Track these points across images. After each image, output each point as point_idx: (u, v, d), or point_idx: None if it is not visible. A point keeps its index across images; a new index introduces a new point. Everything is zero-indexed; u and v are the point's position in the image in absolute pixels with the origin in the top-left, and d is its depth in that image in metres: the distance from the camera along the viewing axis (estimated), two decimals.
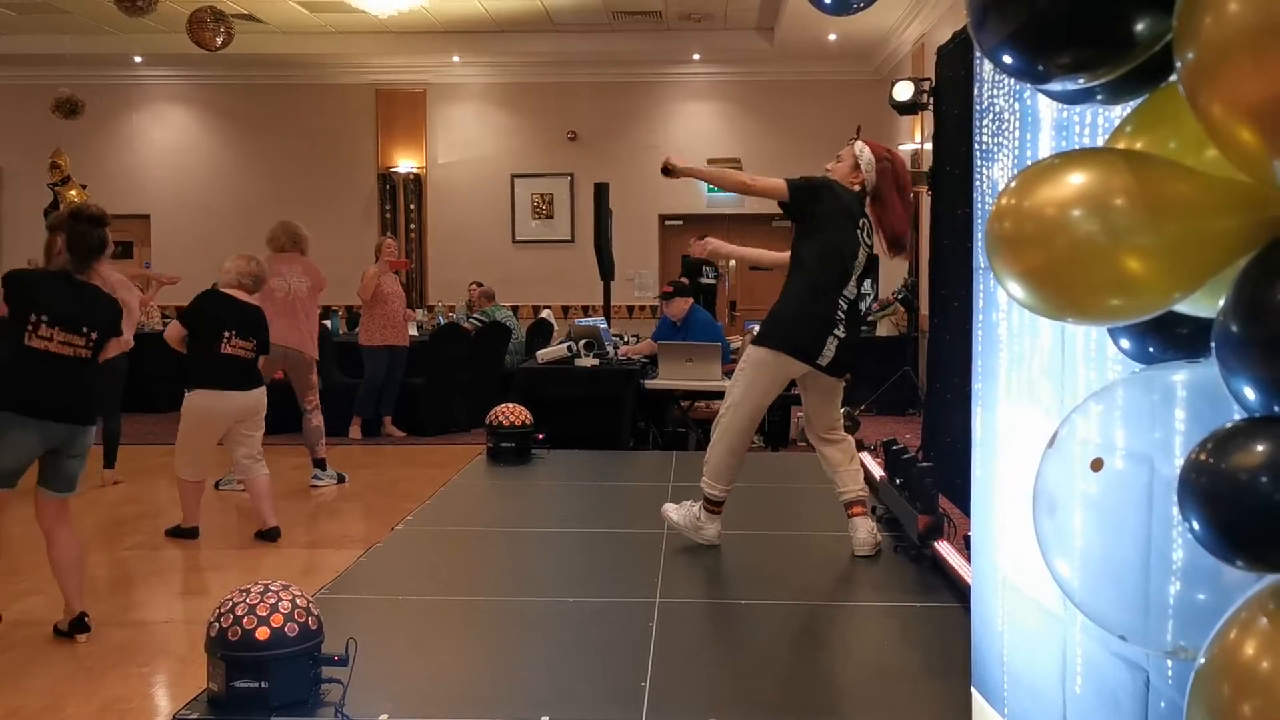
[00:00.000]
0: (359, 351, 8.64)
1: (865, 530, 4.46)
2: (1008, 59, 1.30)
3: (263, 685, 2.81)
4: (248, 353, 5.39)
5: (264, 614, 2.85)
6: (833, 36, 11.25)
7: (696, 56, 12.61)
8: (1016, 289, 1.30)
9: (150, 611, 4.41)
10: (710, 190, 13.07)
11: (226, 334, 5.30)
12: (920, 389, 9.35)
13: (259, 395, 5.47)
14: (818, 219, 4.41)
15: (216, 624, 2.87)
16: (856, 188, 4.48)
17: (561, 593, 3.99)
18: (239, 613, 2.85)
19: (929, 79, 7.70)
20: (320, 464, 6.97)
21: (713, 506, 4.57)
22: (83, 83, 11.37)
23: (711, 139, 13.02)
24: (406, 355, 8.78)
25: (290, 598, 2.92)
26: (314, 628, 2.93)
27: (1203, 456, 1.13)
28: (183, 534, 5.44)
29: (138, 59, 12.60)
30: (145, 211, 13.29)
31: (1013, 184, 1.30)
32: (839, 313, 4.42)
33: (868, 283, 11.14)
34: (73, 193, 10.50)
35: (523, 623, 3.74)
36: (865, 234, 4.48)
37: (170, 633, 4.07)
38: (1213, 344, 1.14)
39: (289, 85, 13.08)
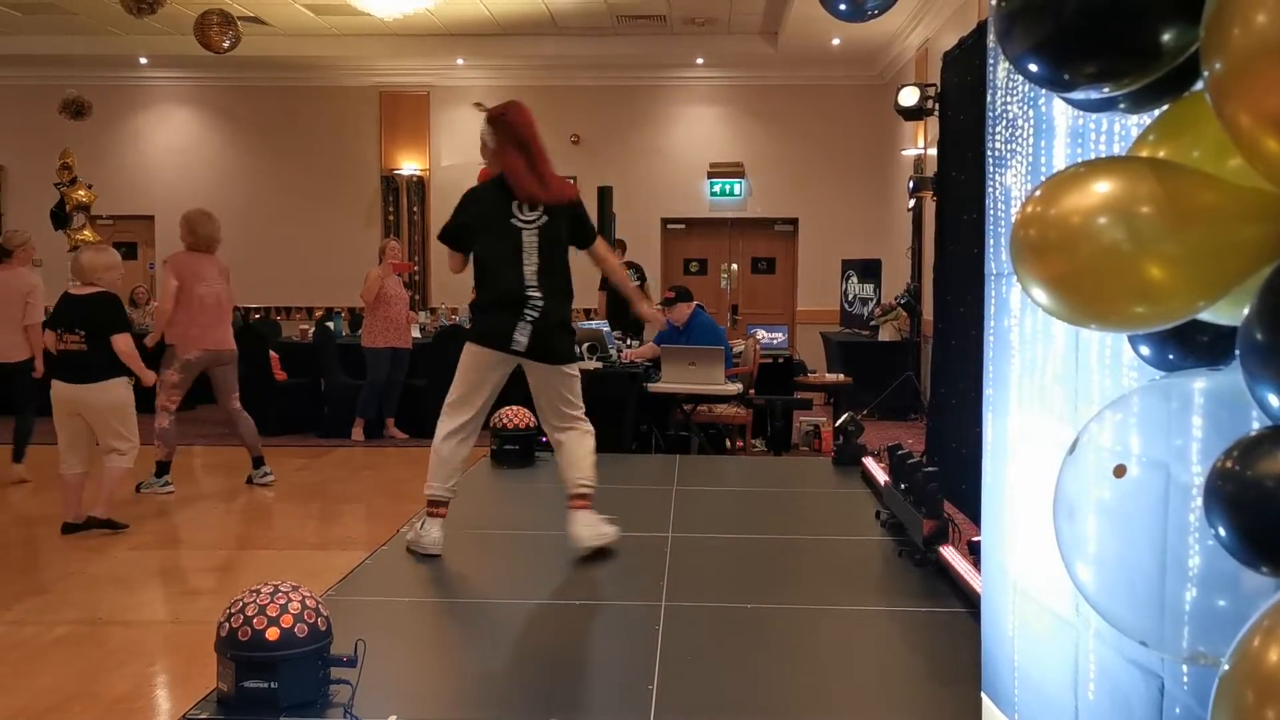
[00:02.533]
0: (362, 353, 8.65)
1: (591, 522, 4.50)
2: (1033, 67, 1.31)
3: (272, 685, 2.82)
4: (79, 345, 5.51)
5: (274, 614, 2.85)
6: (836, 41, 11.27)
7: (700, 60, 12.63)
8: (1041, 296, 1.30)
9: (156, 612, 4.41)
10: (713, 194, 13.09)
11: (57, 331, 5.62)
12: (922, 394, 9.36)
13: (99, 390, 5.46)
14: (467, 234, 4.49)
15: (227, 624, 2.88)
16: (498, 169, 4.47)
17: (567, 595, 4.00)
18: (249, 613, 2.86)
19: (934, 84, 7.72)
20: (260, 460, 6.81)
21: (435, 509, 4.55)
22: (88, 84, 11.40)
23: (714, 143, 13.04)
24: (409, 357, 8.79)
25: (300, 598, 2.93)
26: (323, 628, 2.93)
27: (1229, 463, 1.13)
28: (73, 529, 5.51)
29: (143, 60, 12.62)
30: (150, 213, 13.31)
31: (1038, 192, 1.30)
32: (529, 299, 4.38)
33: (870, 286, 11.18)
34: (80, 193, 10.52)
35: (529, 625, 3.75)
36: (524, 210, 4.43)
37: (176, 632, 4.07)
38: (1237, 352, 1.15)
39: (293, 87, 13.10)
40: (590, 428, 4.62)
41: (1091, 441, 1.50)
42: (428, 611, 3.92)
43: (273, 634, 2.82)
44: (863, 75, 12.59)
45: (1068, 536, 1.50)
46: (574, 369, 4.60)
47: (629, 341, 9.07)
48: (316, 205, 13.03)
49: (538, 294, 4.37)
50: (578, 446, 4.56)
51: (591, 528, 4.47)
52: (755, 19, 11.45)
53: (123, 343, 5.50)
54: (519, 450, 6.62)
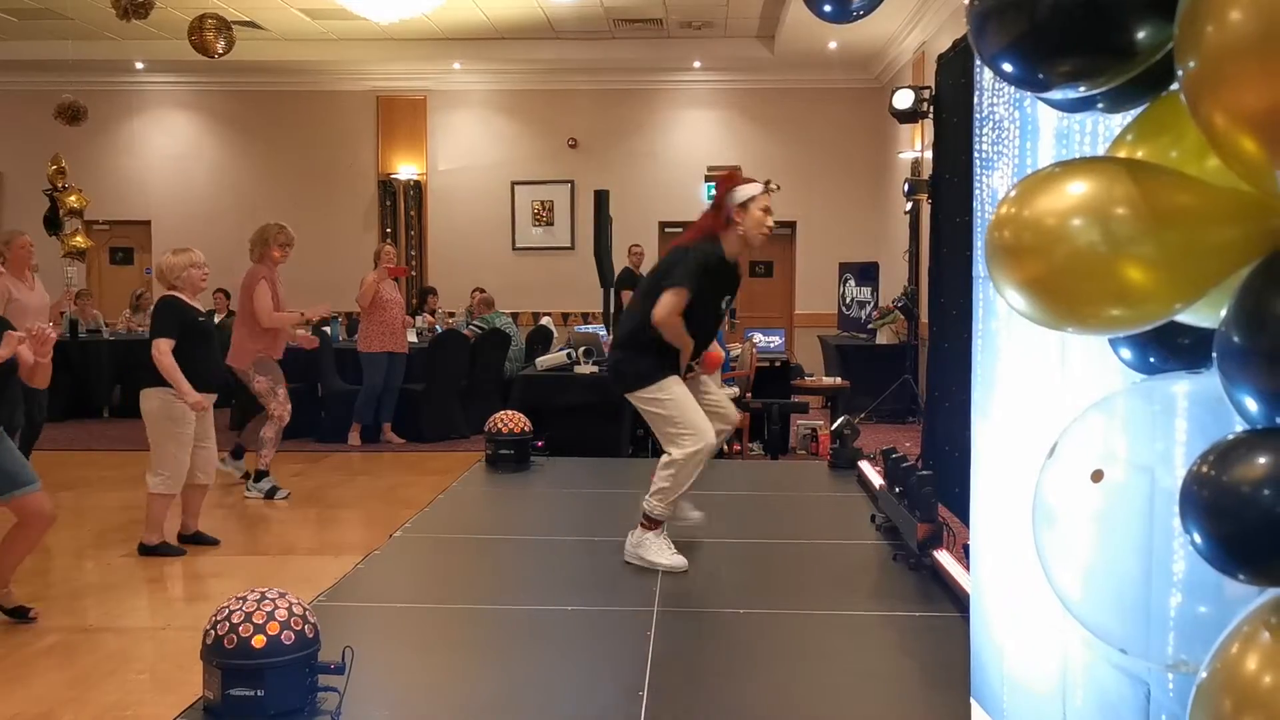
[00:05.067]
0: (358, 358, 8.63)
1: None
2: (1008, 67, 1.29)
3: (258, 693, 2.81)
4: None
5: (260, 621, 2.84)
6: (833, 45, 11.26)
7: (697, 64, 12.62)
8: (1016, 299, 1.29)
9: (147, 618, 4.39)
10: (710, 197, 13.06)
11: None
12: (920, 397, 9.34)
13: (142, 398, 5.17)
14: None
15: (213, 631, 2.87)
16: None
17: (559, 601, 3.98)
18: (235, 620, 2.84)
19: (929, 87, 7.71)
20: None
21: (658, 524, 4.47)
22: (84, 89, 11.36)
23: (712, 146, 13.02)
24: (405, 362, 8.77)
25: (287, 605, 2.91)
26: (310, 635, 2.92)
27: (1204, 469, 1.12)
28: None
29: (139, 65, 12.61)
30: (146, 218, 13.30)
31: (1013, 193, 1.29)
32: None
33: (867, 290, 11.17)
34: (72, 198, 10.51)
35: (521, 631, 3.73)
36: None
37: (167, 639, 4.05)
38: (1214, 355, 1.13)
39: (290, 92, 13.09)
40: (671, 454, 4.41)
41: (1071, 445, 1.48)
42: (418, 617, 3.90)
43: (259, 641, 2.81)
44: (860, 78, 12.58)
45: (1048, 543, 1.48)
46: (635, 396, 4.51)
47: None
48: (313, 209, 13.00)
49: None
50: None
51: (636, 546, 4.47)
52: (752, 22, 11.44)
53: (155, 350, 5.07)
54: (514, 455, 6.61)
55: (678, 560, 4.37)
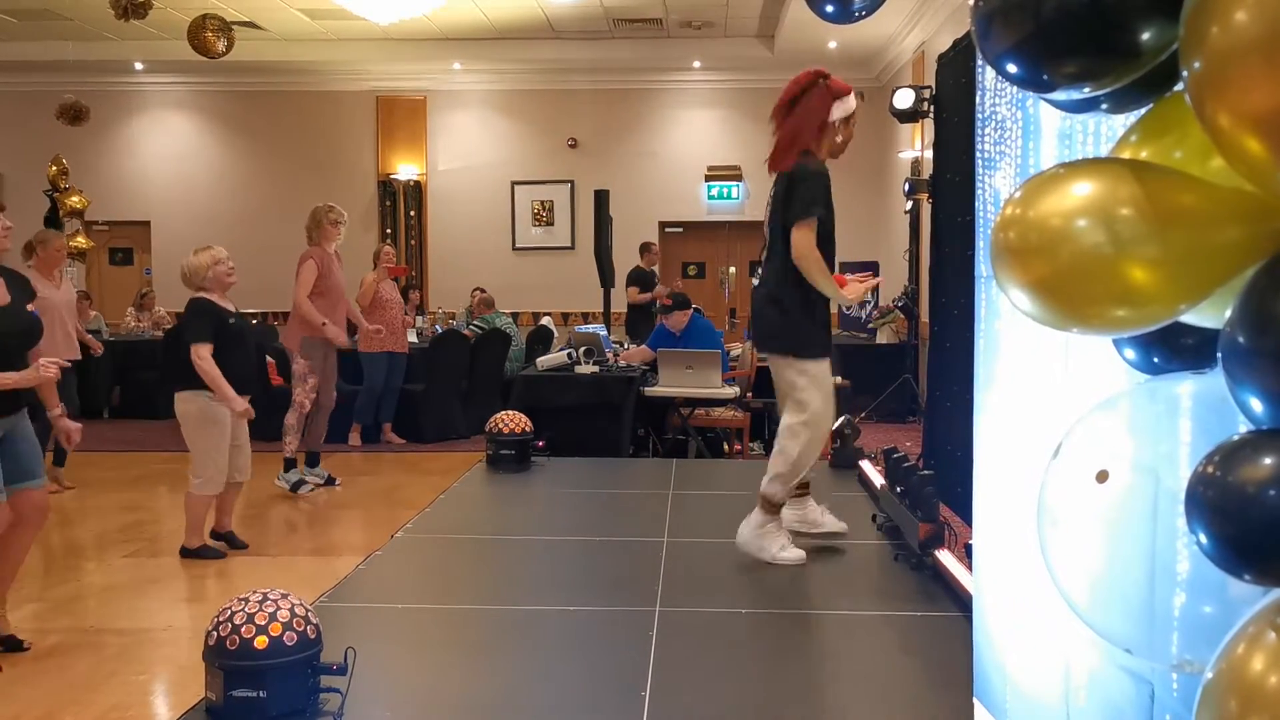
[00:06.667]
0: (358, 358, 8.62)
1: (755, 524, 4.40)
2: (1012, 68, 1.29)
3: (260, 694, 2.81)
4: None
5: (262, 623, 2.84)
6: (833, 44, 11.26)
7: (697, 64, 12.61)
8: (1021, 299, 1.29)
9: (149, 619, 4.38)
10: (710, 197, 13.08)
11: None
12: (920, 396, 9.34)
13: (176, 401, 5.08)
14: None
15: (215, 633, 2.87)
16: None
17: (561, 601, 3.98)
18: (237, 621, 2.85)
19: (929, 87, 7.72)
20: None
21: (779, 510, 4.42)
22: (84, 89, 11.38)
23: (712, 146, 13.02)
24: (406, 362, 8.77)
25: (289, 606, 2.91)
26: (313, 636, 2.92)
27: (1210, 469, 1.12)
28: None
29: (139, 65, 12.61)
30: (146, 218, 13.28)
31: (1018, 193, 1.29)
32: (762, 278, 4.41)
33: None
34: (73, 199, 10.50)
35: (522, 631, 3.73)
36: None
37: (169, 640, 4.05)
38: (1219, 355, 1.13)
39: (290, 92, 13.08)
40: (794, 429, 4.25)
41: (1076, 446, 1.48)
42: (420, 618, 3.90)
43: (261, 642, 2.81)
44: (860, 78, 12.54)
45: (1052, 543, 1.48)
46: (778, 359, 4.26)
47: (624, 344, 9.05)
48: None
49: (762, 272, 4.30)
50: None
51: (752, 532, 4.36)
52: (752, 22, 11.44)
53: (195, 355, 4.95)
54: (514, 455, 6.61)
55: (795, 554, 4.34)
